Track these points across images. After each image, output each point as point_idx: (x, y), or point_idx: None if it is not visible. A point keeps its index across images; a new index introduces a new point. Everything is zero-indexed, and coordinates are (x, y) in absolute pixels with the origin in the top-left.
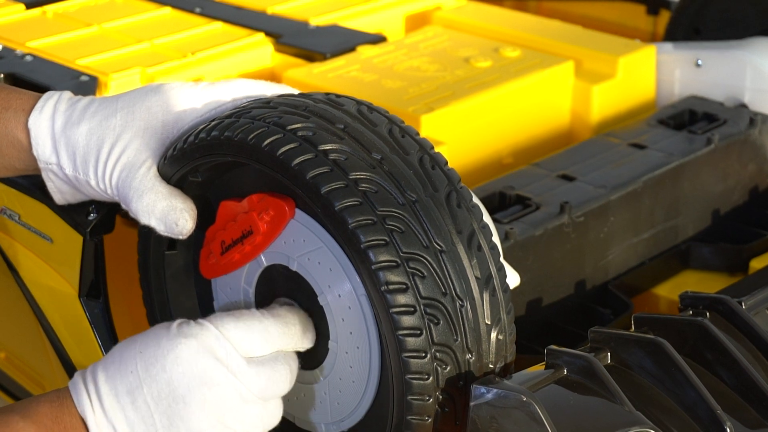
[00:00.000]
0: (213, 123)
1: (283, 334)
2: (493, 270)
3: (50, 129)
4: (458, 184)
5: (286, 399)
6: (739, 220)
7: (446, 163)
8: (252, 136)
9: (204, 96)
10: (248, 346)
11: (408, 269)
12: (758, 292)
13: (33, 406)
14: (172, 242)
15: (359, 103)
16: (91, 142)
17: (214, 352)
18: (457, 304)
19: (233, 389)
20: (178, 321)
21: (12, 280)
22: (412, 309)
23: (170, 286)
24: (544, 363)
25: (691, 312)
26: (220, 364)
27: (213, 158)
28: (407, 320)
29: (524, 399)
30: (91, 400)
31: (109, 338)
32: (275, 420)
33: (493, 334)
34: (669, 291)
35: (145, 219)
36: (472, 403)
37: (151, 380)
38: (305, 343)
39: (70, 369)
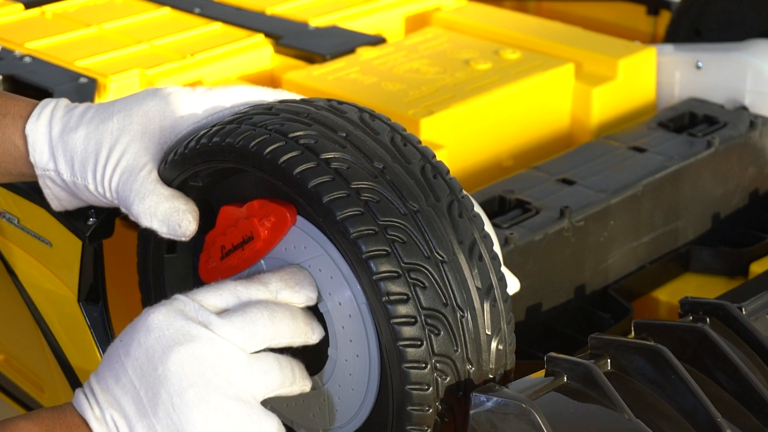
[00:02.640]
0: (214, 129)
1: (254, 287)
2: (494, 280)
3: (47, 135)
4: (460, 194)
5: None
6: (739, 224)
7: (448, 172)
8: (254, 143)
9: (202, 101)
10: (216, 301)
11: (409, 280)
12: (758, 297)
13: (36, 412)
14: (171, 246)
15: (361, 110)
16: (89, 147)
17: (183, 312)
18: (458, 315)
19: (209, 341)
20: None
21: (11, 284)
22: (413, 320)
23: (170, 289)
24: (543, 370)
25: (691, 318)
26: (191, 321)
27: (214, 164)
28: (408, 331)
29: (524, 407)
30: (88, 399)
31: (107, 342)
32: (272, 377)
33: (494, 344)
34: (669, 295)
35: (146, 221)
36: (471, 411)
37: (131, 360)
38: (295, 296)
39: (68, 372)
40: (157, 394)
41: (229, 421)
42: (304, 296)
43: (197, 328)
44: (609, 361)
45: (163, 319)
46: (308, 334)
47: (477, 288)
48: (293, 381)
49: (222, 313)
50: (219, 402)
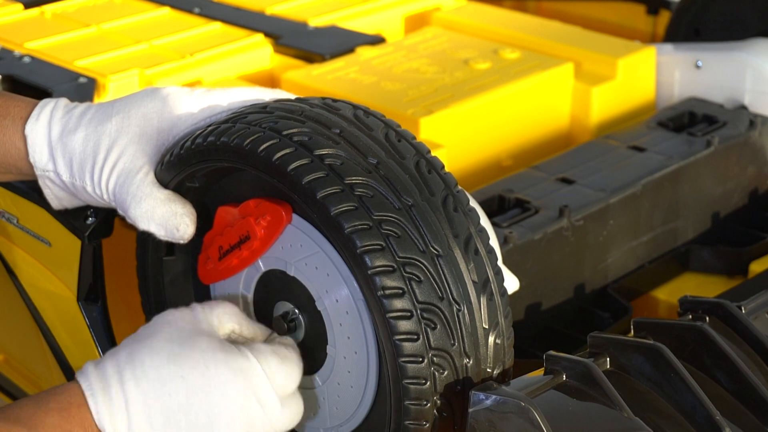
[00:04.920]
0: (209, 128)
1: (301, 371)
2: (491, 274)
3: (47, 136)
4: (455, 188)
5: None
6: (738, 223)
7: (443, 167)
8: (248, 141)
9: (200, 102)
10: (285, 387)
11: (404, 274)
12: (757, 296)
13: (40, 417)
14: (170, 248)
15: (355, 107)
16: (87, 148)
17: (257, 393)
18: (454, 309)
19: (264, 428)
20: (219, 338)
21: (11, 284)
22: (409, 314)
23: (169, 291)
24: (543, 368)
25: (690, 316)
26: (260, 406)
27: (210, 164)
28: (404, 325)
29: (523, 405)
30: (113, 413)
31: (107, 341)
32: None
33: (491, 339)
34: (668, 294)
35: (144, 225)
36: (470, 409)
37: (190, 408)
38: None
39: (68, 371)
40: None
41: None
42: None
43: (262, 417)
44: (608, 359)
45: (240, 394)
46: None
47: (473, 282)
48: None
49: (282, 399)
50: None
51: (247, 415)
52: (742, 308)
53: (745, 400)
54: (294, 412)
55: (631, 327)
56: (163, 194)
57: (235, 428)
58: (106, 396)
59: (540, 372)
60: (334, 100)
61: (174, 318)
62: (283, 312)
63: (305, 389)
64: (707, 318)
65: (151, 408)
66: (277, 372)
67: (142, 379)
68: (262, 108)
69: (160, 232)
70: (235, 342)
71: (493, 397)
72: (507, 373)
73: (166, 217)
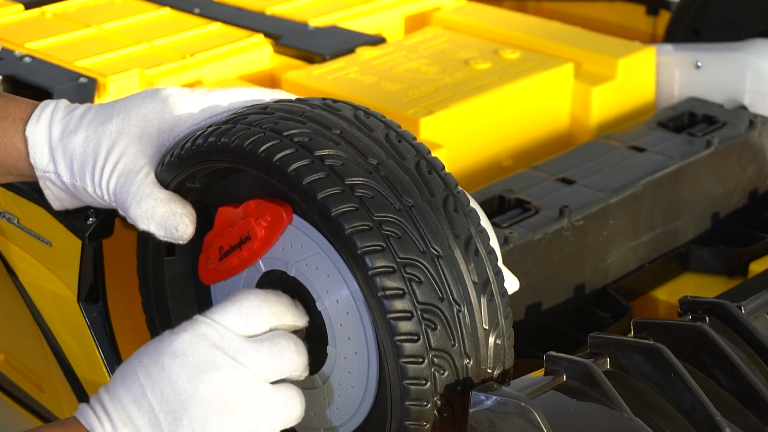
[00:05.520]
0: (210, 129)
1: (275, 308)
2: (491, 274)
3: (47, 137)
4: (455, 189)
5: None
6: (738, 223)
7: (443, 167)
8: (248, 142)
9: (200, 103)
10: (242, 324)
11: (405, 275)
12: (757, 296)
13: (38, 429)
14: (170, 248)
15: (355, 108)
16: (87, 149)
17: (208, 337)
18: (455, 309)
19: (234, 371)
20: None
21: (11, 284)
22: (409, 314)
23: (169, 292)
24: (543, 369)
25: (690, 317)
26: (216, 347)
27: (210, 164)
28: (404, 326)
29: (523, 405)
30: (98, 416)
31: (108, 341)
32: (292, 410)
33: (491, 339)
34: (668, 294)
35: (144, 225)
36: (471, 410)
37: (153, 383)
38: (298, 319)
39: (68, 372)
40: (179, 419)
41: None
42: (304, 320)
43: (222, 357)
44: (608, 359)
45: (187, 346)
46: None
47: (473, 282)
48: (304, 410)
49: (248, 338)
50: None
51: (206, 361)
52: (742, 308)
53: (745, 400)
54: (272, 350)
55: (631, 327)
56: (164, 194)
57: (202, 379)
58: (91, 413)
59: (540, 372)
60: (335, 101)
61: (145, 346)
62: None
63: (306, 389)
64: (707, 318)
65: (123, 402)
66: (223, 313)
67: (111, 386)
68: (263, 109)
69: (160, 232)
70: None
71: (494, 397)
72: (507, 373)
73: (166, 217)
